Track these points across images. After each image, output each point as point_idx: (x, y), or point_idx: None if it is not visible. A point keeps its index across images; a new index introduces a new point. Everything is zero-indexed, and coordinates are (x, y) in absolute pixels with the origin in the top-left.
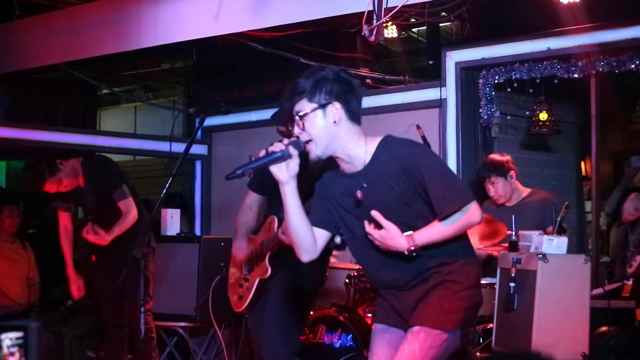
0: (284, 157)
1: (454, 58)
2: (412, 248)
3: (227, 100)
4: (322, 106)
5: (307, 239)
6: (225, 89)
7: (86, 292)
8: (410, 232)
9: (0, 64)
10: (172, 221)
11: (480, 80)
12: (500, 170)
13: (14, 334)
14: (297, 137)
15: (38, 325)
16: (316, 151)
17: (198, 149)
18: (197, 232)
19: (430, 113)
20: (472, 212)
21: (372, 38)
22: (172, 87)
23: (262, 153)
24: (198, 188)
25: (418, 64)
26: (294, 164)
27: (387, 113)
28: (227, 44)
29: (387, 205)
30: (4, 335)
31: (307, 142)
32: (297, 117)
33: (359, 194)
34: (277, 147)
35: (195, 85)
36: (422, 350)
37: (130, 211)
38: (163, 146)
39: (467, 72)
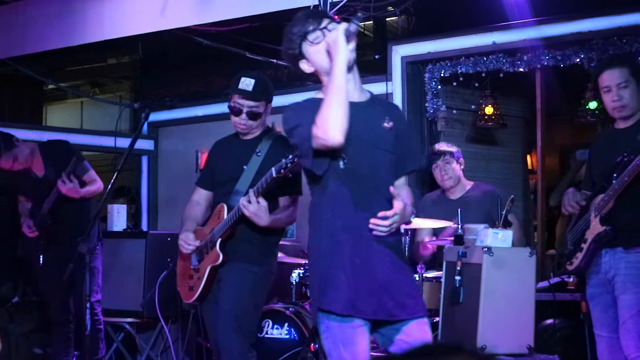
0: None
1: (400, 52)
2: None
3: (174, 95)
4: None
5: (347, 119)
6: (172, 83)
7: (32, 288)
8: None
9: None
10: (118, 216)
11: (426, 75)
12: (452, 154)
13: None
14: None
15: None
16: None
17: (144, 144)
18: (144, 227)
19: None
20: None
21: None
22: (118, 82)
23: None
24: (144, 183)
25: (364, 58)
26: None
27: None
28: (173, 39)
29: None
30: None
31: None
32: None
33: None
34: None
35: (141, 80)
36: None
37: (98, 180)
38: (109, 141)
39: (413, 66)
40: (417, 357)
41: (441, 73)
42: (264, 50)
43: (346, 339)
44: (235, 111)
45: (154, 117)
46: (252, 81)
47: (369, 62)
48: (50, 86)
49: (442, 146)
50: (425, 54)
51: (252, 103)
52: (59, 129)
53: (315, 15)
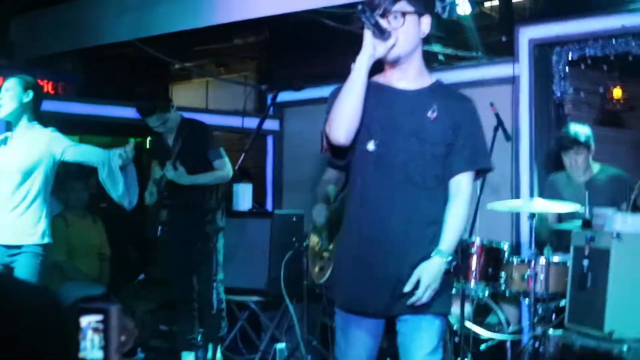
0: (384, 35)
1: (527, 34)
2: None
3: (299, 76)
4: (420, 14)
5: (356, 120)
6: (297, 64)
7: (156, 266)
8: None
9: (72, 41)
10: (244, 196)
11: (554, 57)
12: (587, 143)
13: (94, 317)
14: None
15: (118, 308)
16: (399, 52)
17: (270, 125)
18: (269, 207)
19: (503, 90)
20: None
21: (445, 15)
22: (243, 62)
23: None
24: (270, 163)
25: (490, 39)
26: (383, 47)
27: (459, 89)
28: (299, 20)
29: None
30: (83, 319)
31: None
32: (396, 14)
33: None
34: (385, 23)
35: (267, 60)
36: None
37: (224, 171)
38: (236, 121)
39: (541, 48)
40: None
41: (569, 56)
42: None
43: (345, 328)
44: None
45: (280, 97)
46: None
47: (496, 43)
48: (176, 66)
49: (576, 134)
50: (552, 36)
51: None
52: (186, 109)
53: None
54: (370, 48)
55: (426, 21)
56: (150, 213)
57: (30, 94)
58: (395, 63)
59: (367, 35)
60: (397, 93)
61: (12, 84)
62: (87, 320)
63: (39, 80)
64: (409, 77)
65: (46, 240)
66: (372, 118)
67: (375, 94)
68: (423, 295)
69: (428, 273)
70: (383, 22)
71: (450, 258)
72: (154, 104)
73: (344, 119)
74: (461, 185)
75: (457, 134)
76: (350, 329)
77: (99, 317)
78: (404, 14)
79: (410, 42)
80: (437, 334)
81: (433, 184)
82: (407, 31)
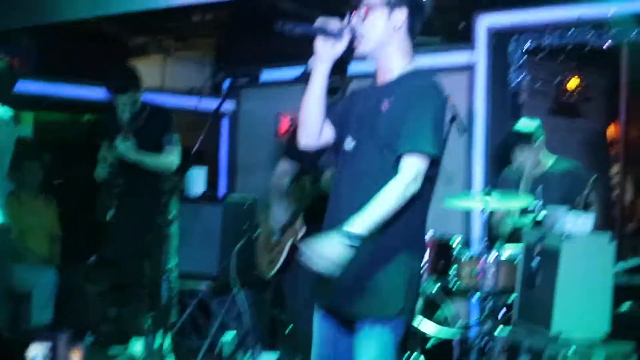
0: (336, 35)
1: (485, 22)
2: None
3: (256, 56)
4: (391, 6)
5: (316, 125)
6: (256, 45)
7: (107, 249)
8: None
9: (29, 17)
10: (197, 181)
11: (511, 46)
12: (528, 136)
13: (42, 345)
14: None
15: (66, 337)
16: (364, 48)
17: (226, 106)
18: (221, 191)
19: (459, 77)
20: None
21: None
22: (202, 39)
23: (319, 23)
24: (224, 145)
25: (448, 26)
26: (339, 47)
27: None
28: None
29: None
30: (32, 348)
31: (360, 35)
32: (363, 8)
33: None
34: (335, 24)
35: (225, 39)
36: None
37: (173, 157)
38: (191, 101)
39: (499, 36)
40: None
41: (526, 45)
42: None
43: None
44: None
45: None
46: None
47: (453, 28)
48: (135, 41)
49: (519, 129)
50: (511, 25)
51: None
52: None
53: None
54: (319, 52)
55: (399, 13)
56: (101, 194)
57: None
58: (369, 58)
59: (317, 40)
60: (370, 90)
61: None
62: (35, 350)
63: None
64: (385, 72)
65: None
66: (353, 118)
67: (362, 94)
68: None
69: (312, 246)
70: (331, 23)
71: (352, 241)
72: (127, 82)
73: (303, 124)
74: (401, 168)
75: (404, 117)
76: (316, 323)
77: (48, 346)
78: (369, 7)
79: (377, 36)
80: (378, 345)
81: (392, 175)
82: (373, 26)
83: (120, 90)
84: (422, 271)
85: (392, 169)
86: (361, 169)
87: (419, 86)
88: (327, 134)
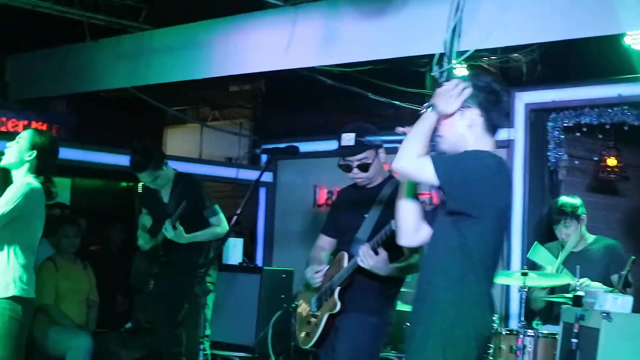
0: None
1: (523, 99)
2: None
3: (293, 129)
4: (462, 108)
5: (413, 221)
6: (292, 117)
7: (144, 316)
8: None
9: (69, 85)
10: (234, 249)
11: (549, 123)
12: (574, 214)
13: None
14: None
15: None
16: (442, 146)
17: (263, 177)
18: (259, 261)
19: (498, 153)
20: None
21: (442, 79)
22: (239, 108)
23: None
24: (262, 215)
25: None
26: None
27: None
28: (295, 75)
29: None
30: None
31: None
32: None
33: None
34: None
35: (261, 110)
36: None
37: (220, 229)
38: (228, 172)
39: (536, 113)
40: None
41: (564, 122)
42: (387, 91)
43: None
44: (345, 167)
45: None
46: (352, 135)
47: None
48: (173, 109)
49: (563, 205)
50: (549, 102)
51: (359, 156)
52: (179, 158)
53: None
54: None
55: (471, 114)
56: (138, 262)
57: (34, 154)
58: None
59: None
60: None
61: (24, 136)
62: None
63: (35, 123)
64: None
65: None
66: None
67: None
68: None
69: None
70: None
71: None
72: (147, 161)
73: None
74: None
75: None
76: None
77: None
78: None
79: (450, 137)
80: None
81: None
82: (446, 125)
83: (138, 169)
84: None
85: None
86: None
87: None
88: (425, 232)
